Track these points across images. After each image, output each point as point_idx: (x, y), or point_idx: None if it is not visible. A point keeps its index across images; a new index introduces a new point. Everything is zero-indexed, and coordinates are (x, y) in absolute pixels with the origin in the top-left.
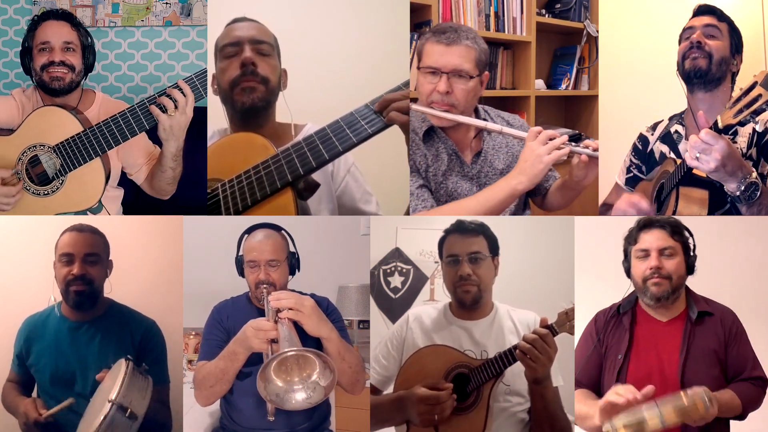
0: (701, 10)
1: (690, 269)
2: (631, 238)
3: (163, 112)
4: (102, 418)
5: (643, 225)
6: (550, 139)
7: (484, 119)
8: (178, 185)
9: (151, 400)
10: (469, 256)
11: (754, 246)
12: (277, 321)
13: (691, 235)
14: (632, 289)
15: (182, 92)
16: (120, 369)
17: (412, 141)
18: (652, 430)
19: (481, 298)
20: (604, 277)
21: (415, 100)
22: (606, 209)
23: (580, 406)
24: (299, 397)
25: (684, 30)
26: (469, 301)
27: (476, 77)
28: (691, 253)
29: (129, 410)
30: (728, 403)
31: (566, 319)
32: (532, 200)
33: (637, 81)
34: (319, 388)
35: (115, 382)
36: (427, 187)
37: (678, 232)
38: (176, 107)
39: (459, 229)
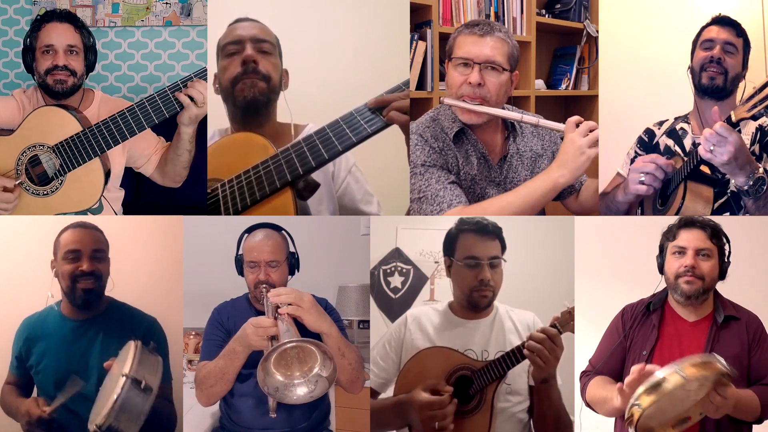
0: (723, 21)
1: (722, 274)
2: (670, 234)
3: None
4: (118, 392)
5: (684, 223)
6: (591, 131)
7: (511, 122)
8: (179, 185)
9: (159, 385)
10: (489, 261)
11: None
12: (276, 317)
13: (728, 241)
14: (663, 286)
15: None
16: (129, 349)
17: (443, 141)
18: (672, 385)
19: (492, 302)
20: (603, 277)
21: (411, 100)
22: (604, 198)
23: (599, 390)
24: (300, 392)
25: (703, 41)
26: (484, 305)
27: (508, 72)
28: (726, 259)
29: (143, 383)
30: (747, 400)
31: (569, 318)
32: (563, 203)
33: (637, 81)
34: (322, 380)
35: (126, 360)
36: (458, 185)
37: (716, 235)
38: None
39: (478, 229)
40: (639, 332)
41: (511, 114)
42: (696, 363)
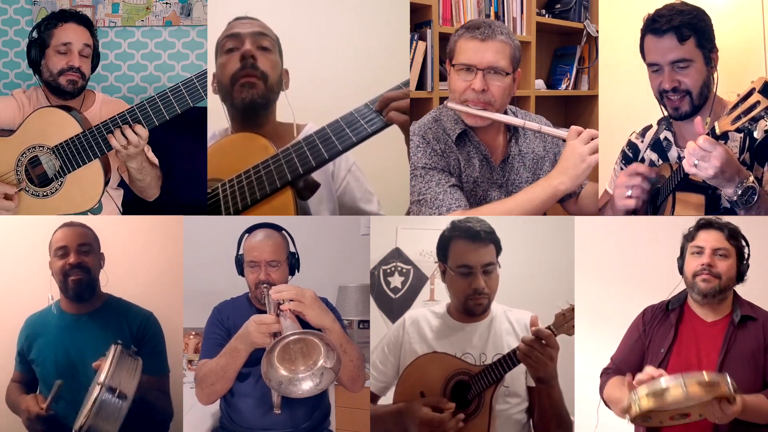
0: (658, 30)
1: (740, 276)
2: (689, 236)
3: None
4: (92, 400)
5: (703, 224)
6: (592, 138)
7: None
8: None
9: (141, 381)
10: (483, 269)
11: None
12: (278, 314)
13: (748, 244)
14: (682, 287)
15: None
16: (109, 353)
17: (444, 143)
18: (673, 398)
19: (489, 306)
20: (603, 277)
21: (412, 100)
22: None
23: (615, 391)
24: (305, 387)
25: (650, 63)
26: (479, 312)
27: (511, 74)
28: (744, 261)
29: (118, 390)
30: (757, 405)
31: (564, 320)
32: (563, 205)
33: (637, 81)
34: (327, 372)
35: (103, 367)
36: (459, 187)
37: (734, 236)
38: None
39: (469, 235)
40: (658, 331)
41: (514, 120)
42: (703, 382)
